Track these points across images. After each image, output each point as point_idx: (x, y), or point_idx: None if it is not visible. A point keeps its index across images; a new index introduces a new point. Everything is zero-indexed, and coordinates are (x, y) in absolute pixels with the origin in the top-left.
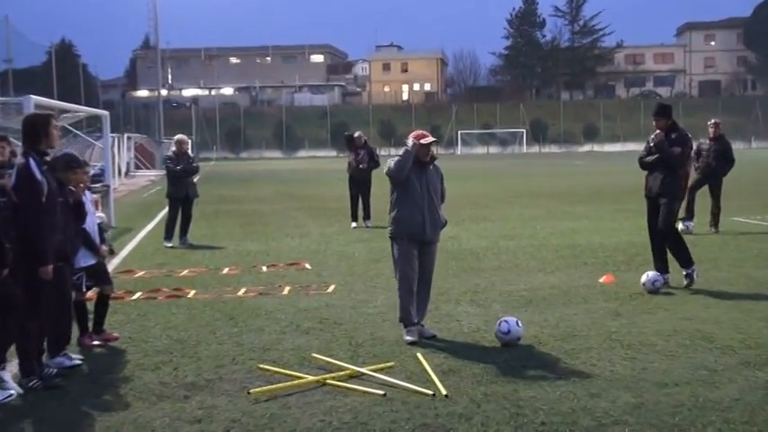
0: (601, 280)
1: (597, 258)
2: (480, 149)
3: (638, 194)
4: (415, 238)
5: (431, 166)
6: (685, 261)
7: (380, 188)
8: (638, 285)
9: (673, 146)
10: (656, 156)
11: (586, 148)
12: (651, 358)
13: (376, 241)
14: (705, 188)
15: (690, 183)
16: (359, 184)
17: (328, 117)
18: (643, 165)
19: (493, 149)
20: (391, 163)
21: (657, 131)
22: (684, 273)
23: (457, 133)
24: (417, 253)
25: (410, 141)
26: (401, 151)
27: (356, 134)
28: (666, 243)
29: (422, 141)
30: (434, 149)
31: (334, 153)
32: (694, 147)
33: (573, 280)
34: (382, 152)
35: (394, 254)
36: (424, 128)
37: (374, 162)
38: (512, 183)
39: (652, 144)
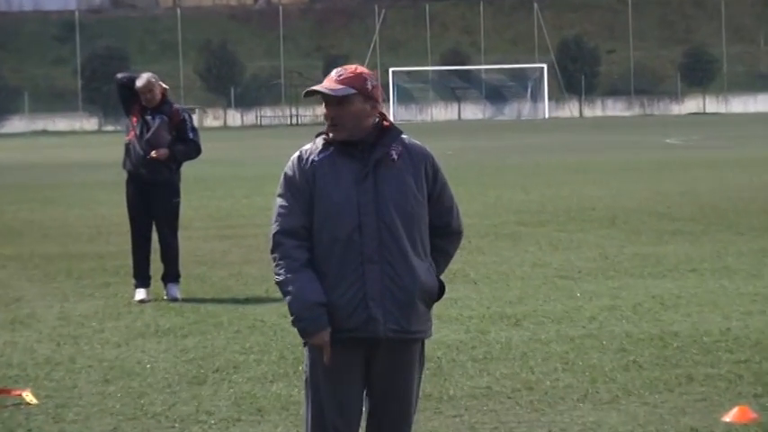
0: (727, 418)
1: (717, 366)
2: (442, 111)
3: None
4: (355, 340)
5: (390, 157)
6: None
7: (201, 206)
8: None
9: None
10: None
11: (690, 105)
12: None
13: (195, 334)
14: None
15: None
16: (149, 197)
17: (77, 38)
18: None
19: (472, 112)
20: (276, 251)
21: None
22: None
23: (388, 74)
24: (361, 372)
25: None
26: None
27: (142, 79)
28: None
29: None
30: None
31: (92, 124)
32: None
33: (662, 418)
34: (210, 121)
35: (305, 377)
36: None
37: (186, 144)
38: (517, 191)
39: None
